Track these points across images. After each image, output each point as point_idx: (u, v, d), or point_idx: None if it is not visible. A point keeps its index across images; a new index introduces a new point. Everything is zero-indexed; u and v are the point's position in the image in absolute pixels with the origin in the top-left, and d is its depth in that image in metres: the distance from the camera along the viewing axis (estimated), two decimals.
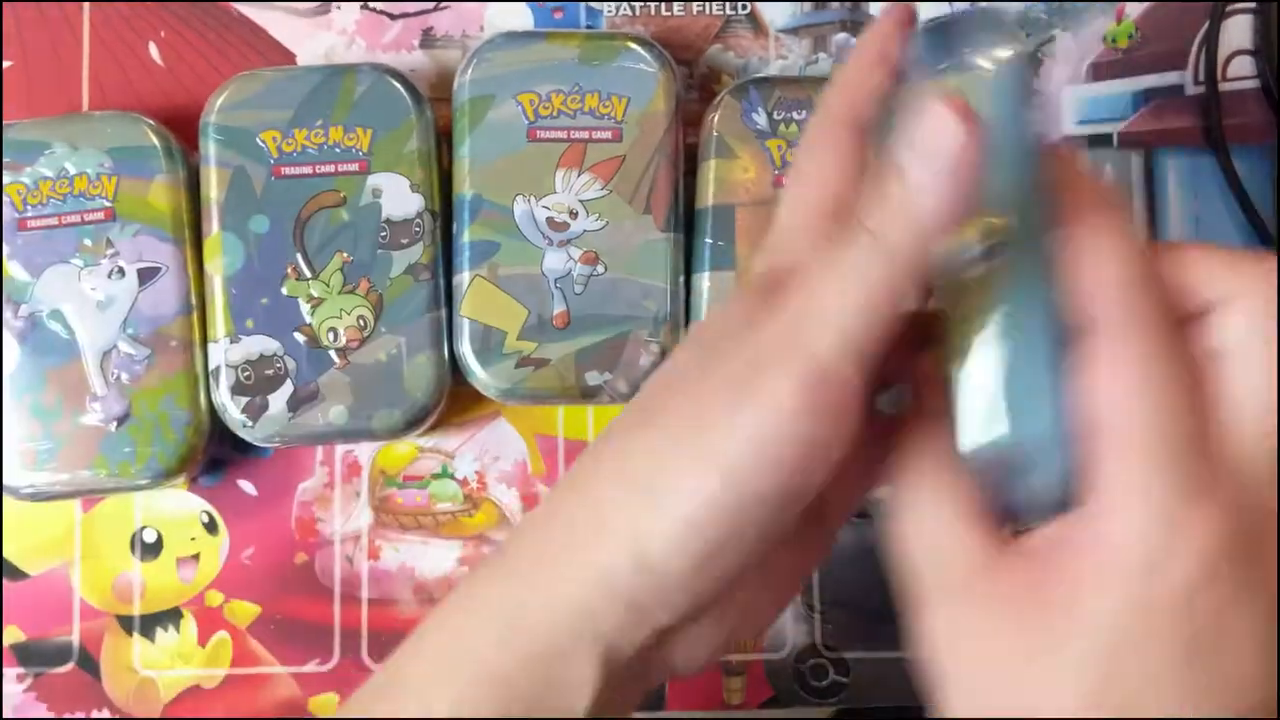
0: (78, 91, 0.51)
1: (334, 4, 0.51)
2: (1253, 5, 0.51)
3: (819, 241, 0.30)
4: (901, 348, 0.30)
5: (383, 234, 0.46)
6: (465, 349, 0.46)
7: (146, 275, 0.46)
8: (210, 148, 0.46)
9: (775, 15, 0.51)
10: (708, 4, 0.51)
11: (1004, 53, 0.30)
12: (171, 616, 0.49)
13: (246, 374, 0.45)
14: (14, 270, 0.45)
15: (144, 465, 0.45)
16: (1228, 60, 0.51)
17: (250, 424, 0.45)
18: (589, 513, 0.30)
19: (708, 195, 0.47)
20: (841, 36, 0.51)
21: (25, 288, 0.45)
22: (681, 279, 0.47)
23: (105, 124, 0.46)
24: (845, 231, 0.28)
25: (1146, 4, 0.52)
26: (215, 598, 0.49)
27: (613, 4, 0.51)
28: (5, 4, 0.51)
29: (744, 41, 0.51)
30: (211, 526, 0.49)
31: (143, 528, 0.49)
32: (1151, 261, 0.28)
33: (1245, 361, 0.27)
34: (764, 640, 0.49)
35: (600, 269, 0.46)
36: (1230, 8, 0.51)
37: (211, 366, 0.45)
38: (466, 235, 0.46)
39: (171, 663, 0.48)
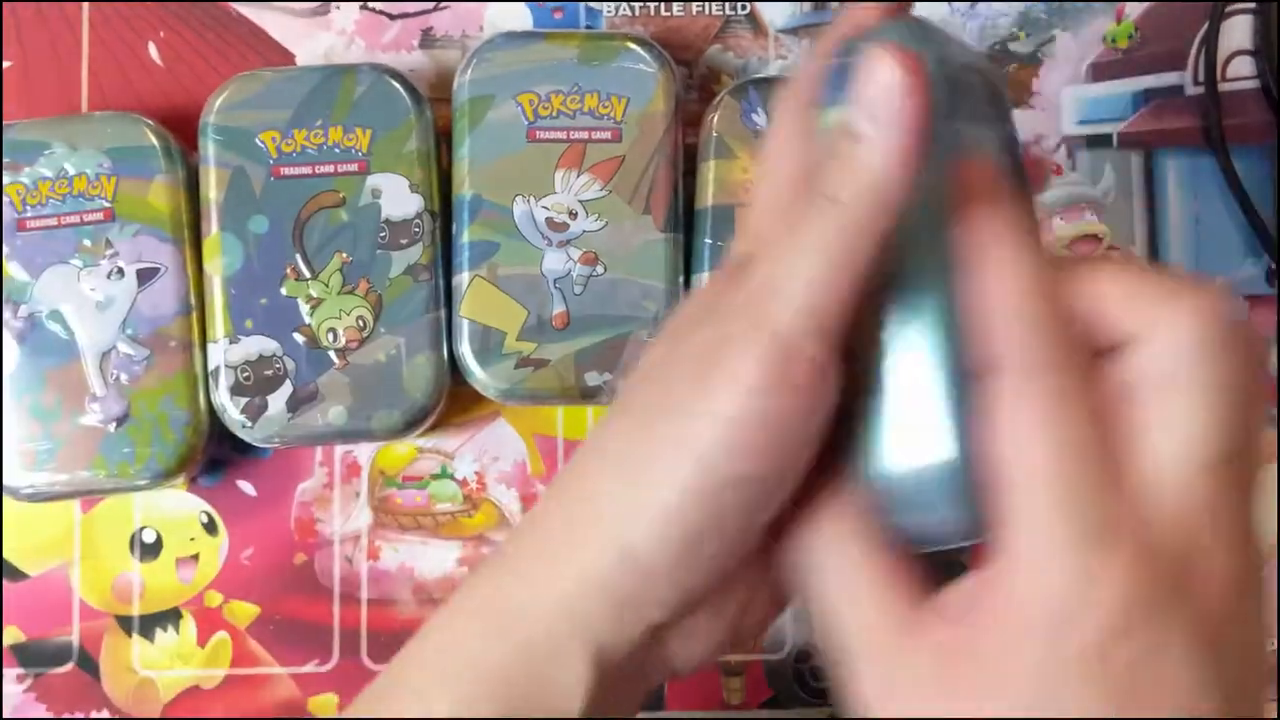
0: (77, 92, 0.51)
1: (333, 4, 0.51)
2: (1252, 6, 0.51)
3: (784, 217, 0.30)
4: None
5: (382, 234, 0.46)
6: (465, 349, 0.46)
7: (146, 276, 0.46)
8: (209, 148, 0.46)
9: (775, 15, 0.51)
10: (707, 4, 0.51)
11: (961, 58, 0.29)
12: (171, 617, 0.49)
13: (246, 374, 0.45)
14: (13, 270, 0.45)
15: (143, 466, 0.45)
16: (1227, 60, 0.51)
17: (249, 424, 0.45)
18: (574, 509, 0.30)
19: (707, 195, 0.47)
20: None
21: (25, 288, 0.45)
22: (681, 279, 0.47)
23: (105, 124, 0.46)
24: (804, 201, 0.28)
25: (1146, 4, 0.52)
26: (215, 598, 0.49)
27: (612, 4, 0.51)
28: (5, 4, 0.51)
29: (744, 42, 0.51)
30: (211, 527, 0.49)
31: (142, 528, 0.49)
32: (1060, 291, 0.27)
33: (1164, 399, 0.25)
34: (763, 640, 0.49)
35: (600, 269, 0.46)
36: (1230, 8, 0.51)
37: (211, 367, 0.45)
38: (466, 236, 0.46)
39: (171, 663, 0.48)
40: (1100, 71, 0.51)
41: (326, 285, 0.46)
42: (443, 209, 0.47)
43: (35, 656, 0.48)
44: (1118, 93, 0.51)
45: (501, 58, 0.46)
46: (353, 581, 0.49)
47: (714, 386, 0.27)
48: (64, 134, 0.46)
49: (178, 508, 0.49)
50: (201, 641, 0.49)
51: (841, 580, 0.28)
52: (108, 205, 0.46)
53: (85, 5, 0.51)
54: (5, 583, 0.49)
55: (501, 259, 0.46)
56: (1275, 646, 0.49)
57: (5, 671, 0.48)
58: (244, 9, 0.51)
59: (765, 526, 0.29)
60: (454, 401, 0.47)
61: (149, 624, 0.49)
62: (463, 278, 0.46)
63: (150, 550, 0.49)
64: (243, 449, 0.49)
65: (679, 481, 0.27)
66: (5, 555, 0.49)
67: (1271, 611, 0.27)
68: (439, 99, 0.48)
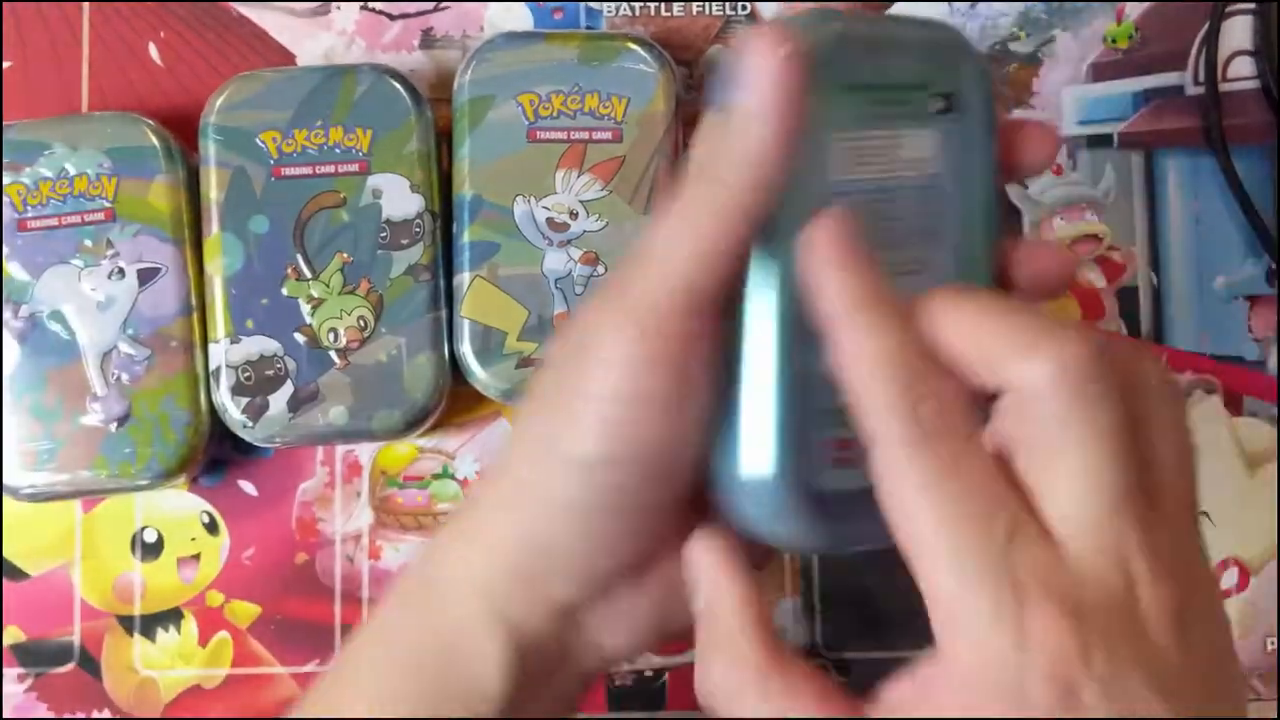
0: (77, 92, 0.51)
1: (334, 4, 0.51)
2: (1253, 6, 0.51)
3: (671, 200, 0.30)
4: None
5: (383, 234, 0.46)
6: (465, 349, 0.46)
7: (146, 276, 0.46)
8: (210, 148, 0.46)
9: (776, 15, 0.51)
10: (708, 4, 0.51)
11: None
12: (172, 617, 0.49)
13: (247, 374, 0.45)
14: (14, 271, 0.45)
15: (144, 466, 0.45)
16: (1228, 61, 0.51)
17: (250, 424, 0.45)
18: (489, 490, 0.31)
19: None
20: None
21: (25, 288, 0.45)
22: None
23: (105, 124, 0.46)
24: (686, 182, 0.28)
25: (1147, 4, 0.52)
26: (216, 598, 0.49)
27: (612, 4, 0.51)
28: (5, 4, 0.51)
29: None
30: (212, 527, 0.49)
31: (143, 528, 0.49)
32: (921, 352, 0.26)
33: (1046, 447, 0.25)
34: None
35: (600, 270, 0.46)
36: (1230, 8, 0.51)
37: (212, 367, 0.45)
38: (466, 236, 0.46)
39: (172, 663, 0.48)
40: (1101, 71, 0.51)
41: (327, 285, 0.46)
42: (443, 209, 0.47)
43: (36, 656, 0.48)
44: (1118, 93, 0.51)
45: (502, 58, 0.46)
46: (354, 581, 0.49)
47: (590, 367, 0.28)
48: (64, 134, 0.46)
49: (179, 507, 0.49)
50: (203, 641, 0.49)
51: (777, 700, 0.27)
52: (108, 205, 0.46)
53: (86, 5, 0.51)
54: (6, 582, 0.49)
55: (502, 259, 0.46)
56: (1275, 646, 0.49)
57: (6, 671, 0.48)
58: (244, 9, 0.51)
59: (666, 509, 0.29)
60: (455, 401, 0.47)
61: (150, 624, 0.49)
62: (463, 278, 0.46)
63: (151, 550, 0.49)
64: (244, 449, 0.49)
65: (560, 462, 0.28)
66: (6, 555, 0.49)
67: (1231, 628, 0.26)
68: (439, 99, 0.48)
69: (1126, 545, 0.24)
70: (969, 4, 0.51)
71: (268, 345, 0.45)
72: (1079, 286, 0.51)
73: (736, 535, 0.30)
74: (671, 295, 0.27)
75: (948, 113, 0.29)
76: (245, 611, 0.49)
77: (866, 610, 0.49)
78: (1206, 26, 0.51)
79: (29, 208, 0.46)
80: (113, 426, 0.45)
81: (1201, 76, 0.51)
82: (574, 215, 0.46)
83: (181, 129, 0.47)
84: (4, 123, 0.47)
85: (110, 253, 0.45)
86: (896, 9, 0.51)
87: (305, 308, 0.45)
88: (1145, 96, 0.51)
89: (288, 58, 0.51)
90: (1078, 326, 0.26)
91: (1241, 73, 0.51)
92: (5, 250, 0.45)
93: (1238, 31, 0.51)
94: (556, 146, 0.46)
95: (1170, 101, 0.51)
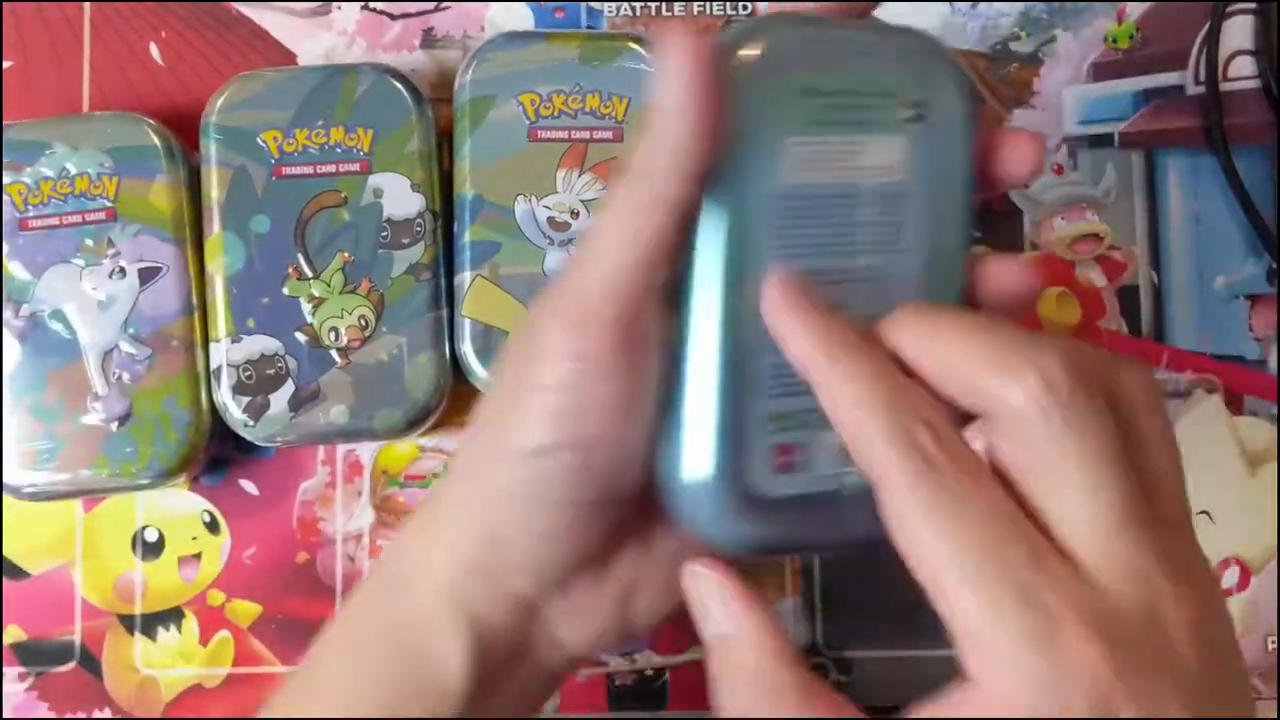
0: (78, 91, 0.51)
1: (334, 4, 0.51)
2: (1253, 5, 0.51)
3: None
4: None
5: (384, 234, 0.46)
6: (466, 349, 0.46)
7: (147, 275, 0.46)
8: (211, 148, 0.46)
9: None
10: (708, 4, 0.51)
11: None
12: (173, 616, 0.49)
13: (248, 373, 0.45)
14: (15, 270, 0.45)
15: (145, 465, 0.45)
16: (1228, 60, 0.51)
17: (251, 423, 0.45)
18: (450, 484, 0.32)
19: None
20: None
21: (26, 287, 0.45)
22: None
23: (106, 124, 0.46)
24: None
25: (1147, 4, 0.52)
26: (217, 597, 0.49)
27: (613, 4, 0.51)
28: (6, 3, 0.51)
29: None
30: (213, 526, 0.49)
31: (144, 527, 0.49)
32: (905, 383, 0.26)
33: (1041, 470, 0.25)
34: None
35: None
36: (1231, 8, 0.51)
37: (213, 366, 0.45)
38: (468, 235, 0.46)
39: (173, 662, 0.48)
40: (1101, 71, 0.51)
41: (328, 284, 0.46)
42: (444, 209, 0.47)
43: (37, 655, 0.48)
44: (1119, 92, 0.51)
45: (503, 58, 0.46)
46: (355, 581, 0.49)
47: (537, 361, 0.28)
48: (65, 134, 0.46)
49: (180, 507, 0.49)
50: (204, 640, 0.49)
51: None
52: (109, 205, 0.46)
53: (86, 5, 0.51)
54: (7, 582, 0.49)
55: (503, 258, 0.46)
56: (1276, 645, 0.49)
57: (7, 670, 0.48)
58: (245, 9, 0.51)
59: (618, 505, 0.30)
60: (456, 401, 0.47)
61: (151, 623, 0.49)
62: (464, 277, 0.46)
63: (152, 549, 0.49)
64: (245, 448, 0.49)
65: (510, 454, 0.29)
66: (7, 554, 0.49)
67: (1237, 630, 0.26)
68: (440, 99, 0.48)
69: (1143, 560, 0.25)
70: (970, 4, 0.52)
71: (269, 344, 0.45)
72: (1080, 285, 0.51)
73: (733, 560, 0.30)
74: (603, 287, 0.27)
75: (918, 120, 0.29)
76: (246, 611, 0.49)
77: (866, 609, 0.49)
78: (1207, 26, 0.51)
79: (30, 207, 0.46)
80: (114, 426, 0.45)
81: (1202, 76, 0.51)
82: (575, 215, 0.46)
83: (182, 128, 0.47)
84: (5, 122, 0.47)
85: (111, 252, 0.46)
86: (894, 9, 0.51)
87: (306, 307, 0.45)
88: (1146, 96, 0.51)
89: (289, 57, 0.51)
90: (1051, 341, 0.26)
91: (1242, 72, 0.51)
92: (6, 249, 0.45)
93: (1238, 31, 0.51)
94: (557, 146, 0.46)
95: (1171, 101, 0.51)
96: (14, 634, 0.48)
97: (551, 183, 0.46)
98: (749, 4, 0.51)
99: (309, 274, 0.46)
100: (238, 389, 0.45)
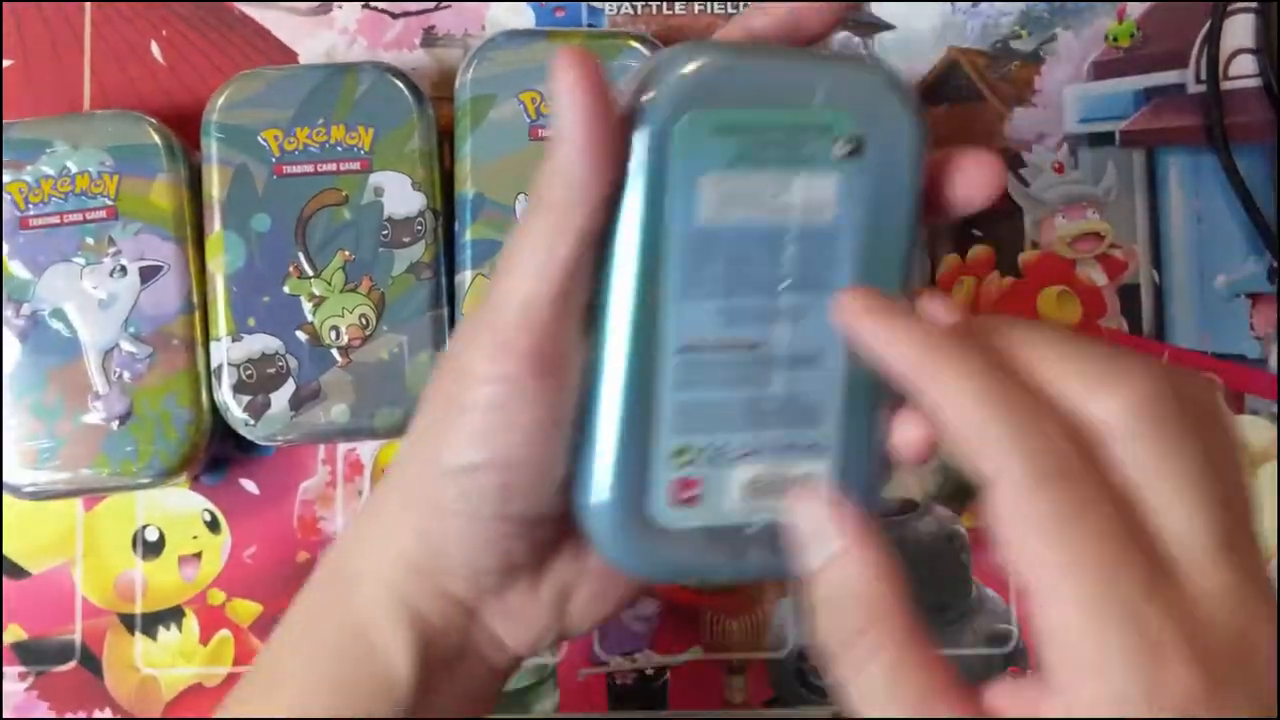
0: (79, 90, 0.51)
1: (335, 3, 0.51)
2: (1254, 4, 0.51)
3: None
4: None
5: (384, 232, 0.46)
6: None
7: (148, 274, 0.46)
8: (212, 146, 0.46)
9: None
10: (709, 3, 0.51)
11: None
12: (174, 615, 0.49)
13: (248, 372, 0.45)
14: (16, 269, 0.45)
15: (146, 464, 0.45)
16: (1229, 59, 0.51)
17: (252, 422, 0.45)
18: (389, 486, 0.33)
19: None
20: (842, 35, 0.51)
21: (27, 286, 0.45)
22: None
23: (107, 123, 0.46)
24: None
25: (1148, 3, 0.52)
26: (217, 596, 0.49)
27: (614, 3, 0.51)
28: (6, 3, 0.51)
29: None
30: (213, 525, 0.49)
31: (145, 526, 0.49)
32: (1018, 384, 0.26)
33: (1149, 484, 0.25)
34: (765, 639, 0.49)
35: None
36: (1232, 7, 0.51)
37: (213, 365, 0.45)
38: (468, 234, 0.46)
39: (173, 661, 0.48)
40: (1102, 70, 0.51)
41: (329, 283, 0.46)
42: (445, 207, 0.47)
43: (37, 654, 0.48)
44: (1120, 91, 0.51)
45: (503, 56, 0.46)
46: None
47: (464, 380, 0.29)
48: (66, 132, 0.46)
49: (180, 506, 0.49)
50: (204, 640, 0.49)
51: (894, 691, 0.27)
52: (110, 203, 0.46)
53: (87, 4, 0.51)
54: (7, 581, 0.49)
55: None
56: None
57: (7, 670, 0.48)
58: (246, 8, 0.51)
59: (548, 520, 0.31)
60: None
61: (151, 622, 0.49)
62: (465, 276, 0.46)
63: (153, 548, 0.49)
64: (245, 447, 0.49)
65: (441, 472, 0.30)
66: (7, 553, 0.49)
67: None
68: (441, 98, 0.48)
69: (1239, 582, 0.25)
70: (970, 2, 0.52)
71: (269, 343, 0.45)
72: (1081, 284, 0.51)
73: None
74: (517, 318, 0.28)
75: (855, 156, 0.28)
76: (247, 610, 0.49)
77: None
78: (1208, 25, 0.51)
79: (31, 206, 0.46)
80: (114, 424, 0.45)
81: (1203, 75, 0.51)
82: None
83: (183, 127, 0.47)
84: (6, 121, 0.47)
85: (112, 250, 0.45)
86: (891, 10, 0.51)
87: (307, 306, 0.45)
88: (1147, 95, 0.51)
89: (289, 56, 0.51)
90: (1146, 361, 0.26)
91: (1243, 71, 0.51)
92: (7, 248, 0.45)
93: (1239, 30, 0.51)
94: None
95: (1171, 100, 0.51)
96: (14, 633, 0.48)
97: None
98: (748, 3, 0.51)
99: (310, 273, 0.46)
100: (238, 388, 0.45)
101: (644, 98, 0.27)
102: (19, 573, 0.49)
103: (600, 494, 0.29)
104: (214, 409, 0.46)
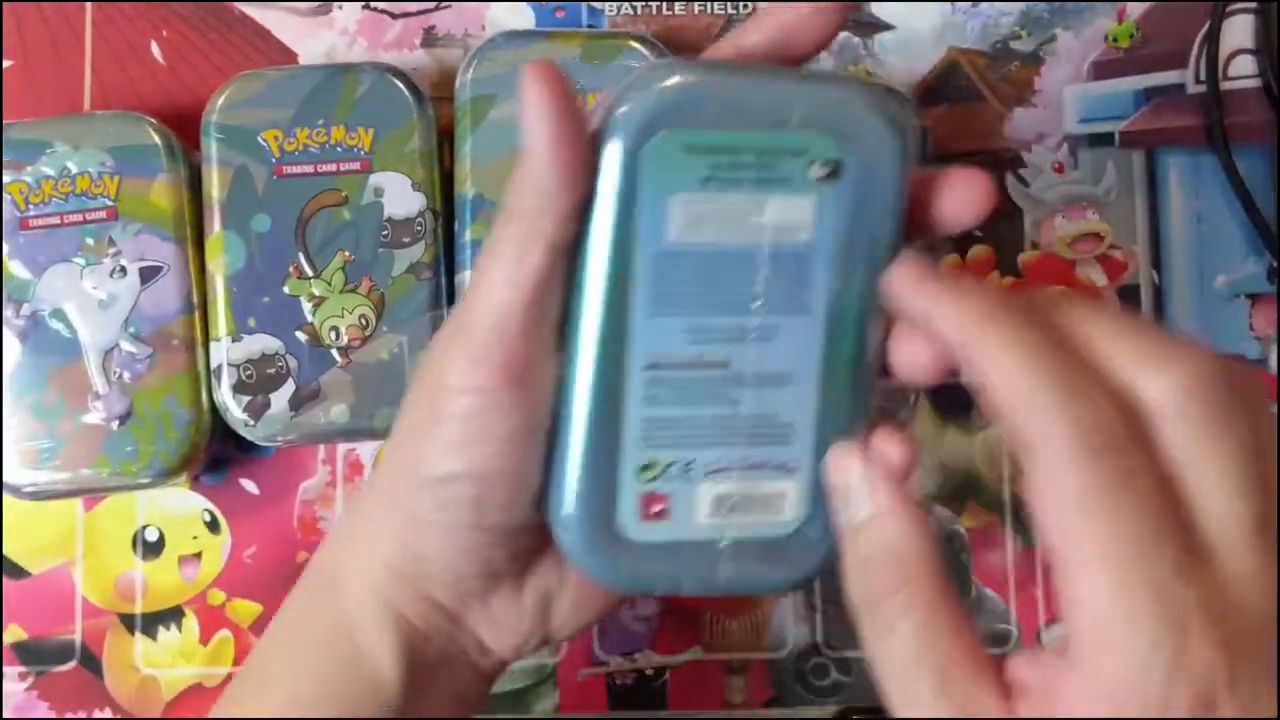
0: (79, 91, 0.51)
1: (335, 3, 0.51)
2: (1254, 5, 0.51)
3: None
4: None
5: (384, 233, 0.46)
6: None
7: (148, 274, 0.46)
8: (212, 147, 0.46)
9: None
10: (709, 3, 0.51)
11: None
12: (173, 615, 0.49)
13: (248, 373, 0.45)
14: (16, 269, 0.45)
15: (146, 464, 0.45)
16: (1229, 59, 0.51)
17: (252, 423, 0.45)
18: (372, 492, 0.33)
19: None
20: (842, 36, 0.51)
21: (27, 286, 0.45)
22: None
23: (107, 123, 0.46)
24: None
25: (1148, 3, 0.52)
26: (217, 596, 0.49)
27: (614, 3, 0.51)
28: (5, 3, 0.51)
29: None
30: (213, 525, 0.49)
31: (145, 526, 0.49)
32: (1068, 356, 0.26)
33: (1193, 463, 0.25)
34: (765, 639, 0.49)
35: None
36: (1231, 7, 0.51)
37: (213, 365, 0.45)
38: (468, 234, 0.46)
39: (173, 661, 0.48)
40: (1102, 70, 0.51)
41: (329, 283, 0.46)
42: (445, 208, 0.47)
43: (37, 655, 0.48)
44: (1119, 91, 0.51)
45: (503, 57, 0.46)
46: None
47: (441, 391, 0.29)
48: (66, 133, 0.46)
49: (180, 506, 0.49)
50: (204, 640, 0.49)
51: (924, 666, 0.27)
52: (110, 204, 0.46)
53: (88, 4, 0.51)
54: (7, 581, 0.49)
55: None
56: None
57: (7, 670, 0.48)
58: (246, 8, 0.51)
59: (526, 530, 0.31)
60: None
61: (151, 622, 0.49)
62: (465, 276, 0.46)
63: (153, 548, 0.49)
64: (245, 447, 0.49)
65: (419, 483, 0.30)
66: (7, 553, 0.49)
67: None
68: (441, 98, 0.48)
69: (1270, 568, 0.25)
70: (970, 3, 0.52)
71: (269, 343, 0.45)
72: (1080, 284, 0.51)
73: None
74: (489, 330, 0.28)
75: (833, 178, 0.28)
76: (247, 610, 0.49)
77: None
78: (1207, 25, 0.51)
79: (31, 206, 0.46)
80: (114, 425, 0.45)
81: (1203, 75, 0.51)
82: None
83: (183, 127, 0.47)
84: (6, 121, 0.47)
85: (112, 251, 0.46)
86: (891, 10, 0.51)
87: (307, 306, 0.45)
88: (1146, 95, 0.51)
89: (289, 56, 0.51)
90: (1197, 344, 0.26)
91: (1242, 71, 0.51)
92: (7, 249, 0.45)
93: (1239, 30, 0.51)
94: None
95: (1171, 100, 0.51)
96: (14, 633, 0.48)
97: None
98: (748, 3, 0.51)
99: (309, 273, 0.46)
100: (238, 388, 0.45)
101: (617, 113, 0.27)
102: (19, 573, 0.49)
103: (569, 507, 0.29)
104: (214, 409, 0.46)
